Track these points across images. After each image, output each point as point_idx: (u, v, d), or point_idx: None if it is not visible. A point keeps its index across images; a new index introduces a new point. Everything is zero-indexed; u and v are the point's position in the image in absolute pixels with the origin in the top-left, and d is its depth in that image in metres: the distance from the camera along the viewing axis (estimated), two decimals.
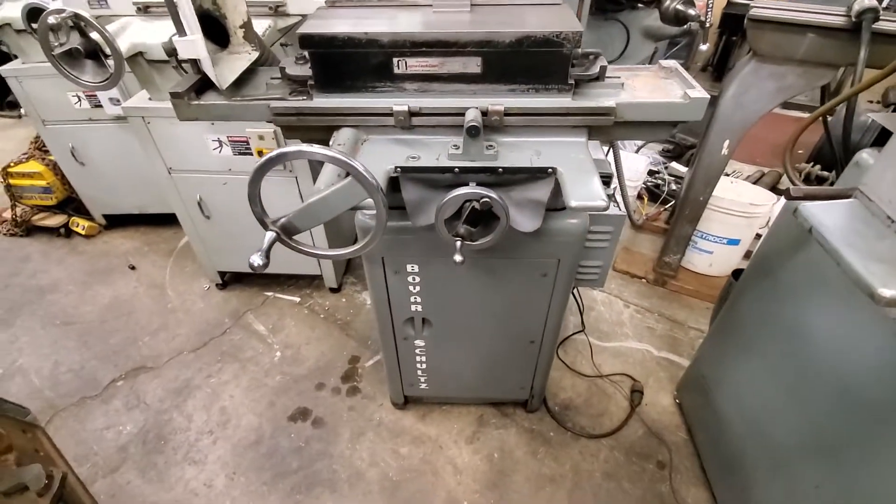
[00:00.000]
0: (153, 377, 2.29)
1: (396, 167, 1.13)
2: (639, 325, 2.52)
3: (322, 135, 1.24)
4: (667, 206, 3.29)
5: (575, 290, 2.18)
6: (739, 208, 2.49)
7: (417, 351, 1.78)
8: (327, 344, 2.43)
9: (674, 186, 3.44)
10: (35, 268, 2.92)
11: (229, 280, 2.76)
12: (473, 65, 1.13)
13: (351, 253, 1.07)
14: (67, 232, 3.15)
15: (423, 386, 1.95)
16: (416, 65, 1.14)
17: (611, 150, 2.65)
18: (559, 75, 1.15)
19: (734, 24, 4.95)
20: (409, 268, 1.47)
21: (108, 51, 1.71)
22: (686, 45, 4.84)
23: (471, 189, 1.09)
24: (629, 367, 2.29)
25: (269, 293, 2.71)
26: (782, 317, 1.41)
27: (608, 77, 1.23)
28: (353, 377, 2.27)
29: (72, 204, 3.19)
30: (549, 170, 1.11)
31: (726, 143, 2.26)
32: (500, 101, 1.16)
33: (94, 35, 1.69)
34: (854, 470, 1.15)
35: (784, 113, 4.62)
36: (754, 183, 3.31)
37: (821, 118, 2.14)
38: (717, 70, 5.37)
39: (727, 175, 3.65)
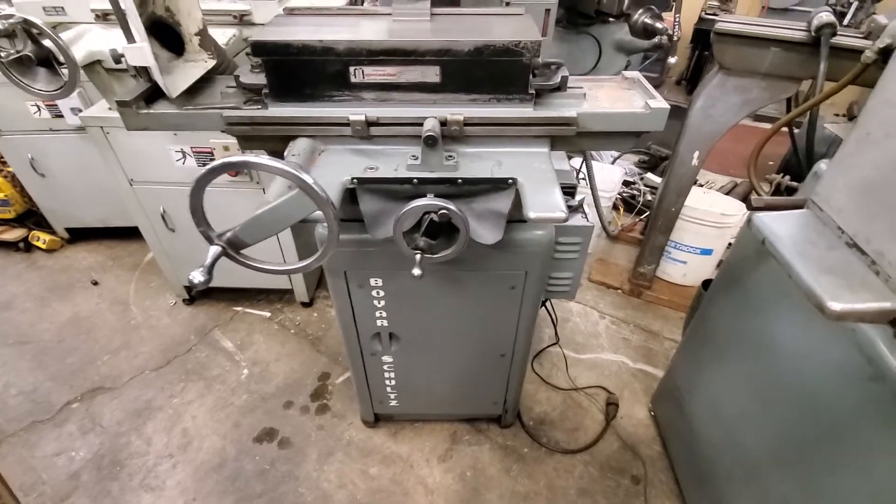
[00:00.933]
0: (112, 398, 2.18)
1: (353, 178, 1.09)
2: (614, 336, 2.50)
3: (279, 145, 1.20)
4: (642, 217, 3.30)
5: (548, 303, 2.15)
6: (711, 218, 2.51)
7: (385, 367, 1.73)
8: (298, 360, 2.36)
9: (649, 197, 3.46)
10: None
11: (196, 295, 2.67)
12: (432, 74, 1.11)
13: (302, 268, 1.02)
14: (27, 246, 3.03)
15: (394, 403, 1.90)
16: (373, 73, 1.11)
17: (583, 161, 2.66)
18: (520, 85, 1.13)
19: (706, 39, 5.10)
20: (372, 282, 1.43)
21: (62, 59, 1.65)
22: (658, 59, 4.94)
23: (428, 201, 1.06)
24: (604, 379, 2.27)
25: (239, 308, 2.63)
26: (750, 326, 1.40)
27: (570, 87, 1.22)
28: (323, 395, 2.19)
29: (32, 217, 3.07)
30: (510, 180, 1.09)
31: (696, 154, 2.27)
32: (460, 110, 1.13)
33: (48, 42, 1.63)
34: (819, 479, 1.14)
35: (755, 125, 4.74)
36: (727, 193, 3.36)
37: (789, 130, 2.18)
38: (691, 83, 5.50)
39: (700, 185, 3.71)
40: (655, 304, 2.71)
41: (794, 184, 3.34)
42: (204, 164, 2.07)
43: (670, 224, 2.50)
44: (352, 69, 1.10)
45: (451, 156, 1.12)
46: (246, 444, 2.00)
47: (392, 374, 1.77)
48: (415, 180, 1.09)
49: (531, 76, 1.14)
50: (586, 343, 2.45)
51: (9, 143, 2.62)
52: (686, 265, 2.69)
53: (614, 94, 1.25)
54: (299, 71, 1.11)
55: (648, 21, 2.19)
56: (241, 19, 1.98)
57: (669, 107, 1.15)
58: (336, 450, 1.97)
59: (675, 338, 2.49)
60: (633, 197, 3.52)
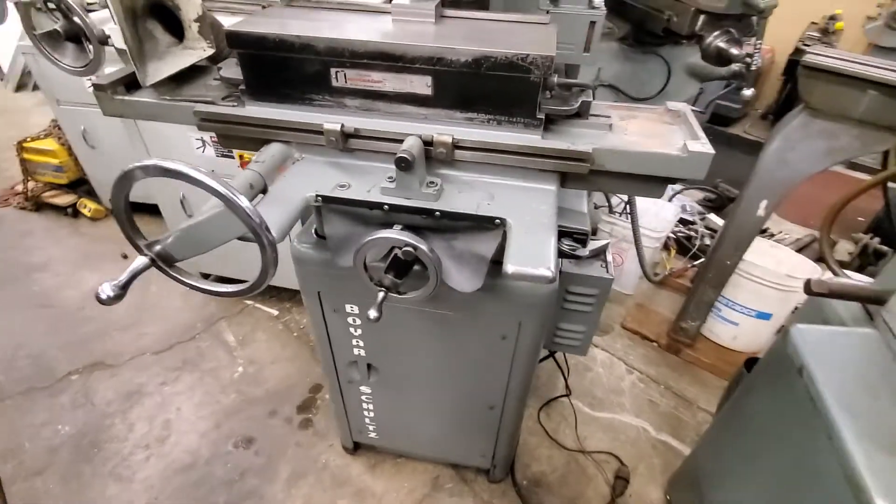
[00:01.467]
0: (109, 376, 2.18)
1: (318, 196, 0.94)
2: (640, 396, 2.21)
3: (256, 146, 1.08)
4: (696, 263, 2.95)
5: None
6: (774, 279, 2.16)
7: (364, 397, 1.58)
8: (294, 366, 2.26)
9: (708, 242, 3.10)
10: (33, 244, 2.93)
11: (214, 281, 2.65)
12: (423, 85, 0.94)
13: (234, 293, 0.89)
14: (75, 212, 3.17)
15: (373, 435, 1.74)
16: (356, 78, 0.96)
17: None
18: (526, 107, 0.93)
19: None
20: (348, 308, 1.28)
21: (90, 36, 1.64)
22: (739, 88, 4.48)
23: (393, 234, 0.89)
24: (619, 445, 1.99)
25: (249, 301, 2.58)
26: (793, 437, 1.11)
27: (594, 115, 1.01)
28: (311, 408, 2.08)
29: (84, 186, 3.21)
30: (497, 220, 0.90)
31: (763, 203, 1.95)
32: (452, 130, 0.96)
33: (77, 19, 1.63)
34: None
35: (847, 173, 4.17)
36: (800, 250, 2.93)
37: (883, 186, 1.82)
38: (778, 118, 4.96)
39: (771, 236, 3.28)
40: (695, 365, 2.37)
41: (885, 248, 2.85)
42: (223, 155, 2.02)
43: (723, 278, 2.17)
44: (333, 71, 0.96)
45: (433, 182, 0.94)
46: (221, 448, 1.92)
47: (370, 406, 1.61)
48: (386, 206, 0.93)
49: (543, 97, 0.94)
50: (605, 399, 2.18)
51: (66, 113, 2.74)
52: (738, 327, 2.33)
53: (649, 128, 1.03)
54: (275, 68, 0.98)
55: (723, 45, 1.90)
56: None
57: (713, 152, 0.91)
58: (309, 472, 1.85)
59: (710, 409, 2.15)
60: (689, 238, 3.16)
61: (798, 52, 4.30)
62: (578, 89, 1.01)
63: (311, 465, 1.87)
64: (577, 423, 2.05)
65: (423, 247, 0.88)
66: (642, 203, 2.63)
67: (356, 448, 1.89)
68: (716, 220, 3.34)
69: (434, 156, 0.95)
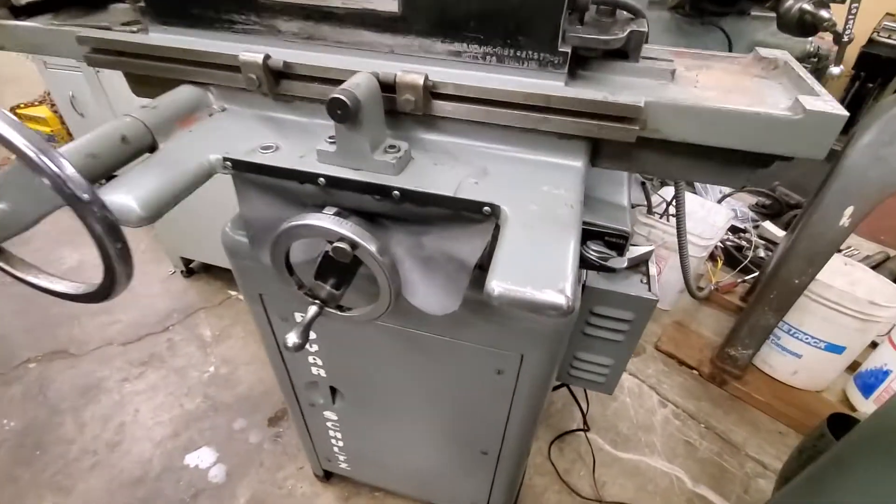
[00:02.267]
0: (69, 366, 1.96)
1: (226, 160, 0.63)
2: (674, 435, 1.84)
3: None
4: (747, 278, 2.53)
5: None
6: (853, 305, 1.74)
7: (330, 424, 1.28)
8: (271, 369, 1.98)
9: (762, 254, 2.67)
10: None
11: (197, 268, 2.42)
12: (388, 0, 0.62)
13: (63, 295, 0.59)
14: None
15: (344, 465, 1.44)
16: None
17: (676, 192, 2.01)
18: (541, 35, 0.60)
19: (874, 68, 4.00)
20: (298, 317, 0.97)
21: None
22: (816, 70, 3.97)
23: (319, 220, 0.57)
24: (646, 497, 1.63)
25: (233, 292, 2.33)
26: None
27: (647, 57, 0.67)
28: (283, 421, 1.80)
29: None
30: (486, 209, 0.57)
31: (849, 210, 1.56)
32: (426, 68, 0.63)
33: None
34: None
35: None
36: (874, 267, 2.47)
37: None
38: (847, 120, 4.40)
39: (838, 251, 2.82)
40: (743, 402, 1.98)
41: None
42: None
43: (789, 300, 1.77)
44: None
45: (394, 147, 0.62)
46: (176, 462, 1.66)
47: (339, 435, 1.31)
48: (321, 179, 0.61)
49: (569, 21, 0.61)
50: (631, 436, 1.82)
51: (54, 77, 2.52)
52: (800, 360, 1.93)
53: (732, 82, 0.68)
54: None
55: (809, 8, 1.49)
56: None
57: (846, 115, 0.56)
58: (271, 499, 1.56)
59: (763, 459, 1.77)
60: (738, 249, 2.74)
61: (872, 43, 3.75)
62: (627, 16, 0.67)
63: (274, 492, 1.58)
64: (595, 463, 1.70)
65: (368, 245, 0.56)
66: (688, 204, 2.24)
67: (328, 476, 1.59)
68: (771, 228, 2.90)
69: (400, 107, 0.63)
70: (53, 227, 2.62)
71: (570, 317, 0.79)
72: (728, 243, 2.78)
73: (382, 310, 0.63)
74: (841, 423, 1.32)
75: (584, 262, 0.76)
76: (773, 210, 3.16)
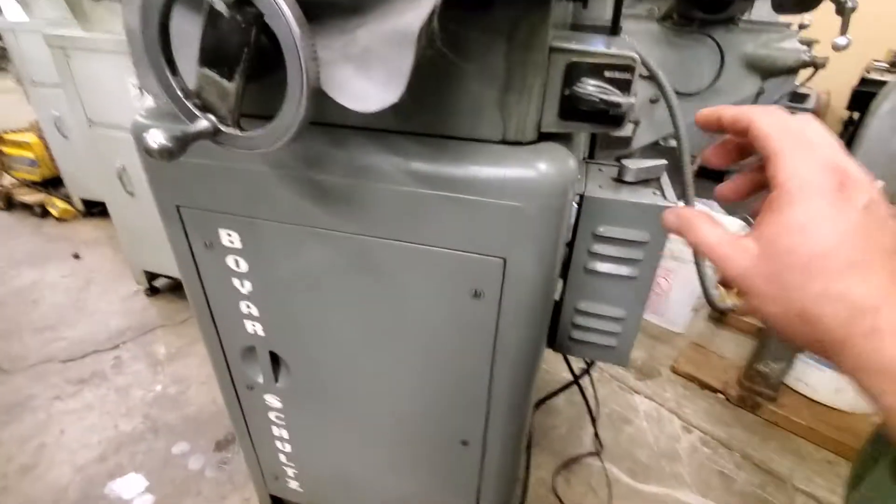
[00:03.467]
0: None
1: None
2: (705, 465, 1.53)
3: None
4: None
5: (575, 367, 1.32)
6: None
7: (274, 417, 1.02)
8: None
9: None
10: None
11: (162, 287, 2.21)
12: None
13: None
14: (44, 212, 2.86)
15: (293, 484, 1.15)
16: None
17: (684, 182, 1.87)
18: None
19: (867, 106, 4.03)
20: (225, 237, 0.77)
21: None
22: (797, 92, 3.99)
23: None
24: None
25: None
26: None
27: None
28: (232, 445, 1.50)
29: (58, 184, 2.94)
30: None
31: (879, 185, 1.38)
32: None
33: None
34: None
35: None
36: None
37: None
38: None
39: None
40: (782, 428, 1.68)
41: None
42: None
43: None
44: None
45: None
46: (96, 489, 1.35)
47: (285, 434, 1.04)
48: None
49: None
50: (652, 466, 1.51)
51: (39, 95, 2.51)
52: (839, 376, 1.66)
53: None
54: None
55: None
56: None
57: None
58: None
59: (815, 493, 1.44)
60: None
61: (865, 82, 3.82)
62: None
63: None
64: (610, 497, 1.38)
65: None
66: None
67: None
68: None
69: None
70: (21, 249, 2.46)
71: (566, 180, 0.59)
72: None
73: (292, 114, 0.45)
74: None
75: (580, 109, 0.59)
76: None
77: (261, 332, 0.88)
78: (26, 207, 2.90)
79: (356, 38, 0.48)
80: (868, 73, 3.69)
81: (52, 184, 2.94)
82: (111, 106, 1.70)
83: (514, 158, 0.60)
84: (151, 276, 2.14)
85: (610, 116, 0.59)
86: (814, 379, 1.71)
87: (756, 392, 1.74)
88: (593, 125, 0.61)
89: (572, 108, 0.60)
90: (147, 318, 2.05)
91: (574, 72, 0.58)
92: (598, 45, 0.58)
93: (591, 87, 0.57)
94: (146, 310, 2.10)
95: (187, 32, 0.47)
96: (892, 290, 0.28)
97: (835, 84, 4.35)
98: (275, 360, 0.91)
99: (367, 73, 0.46)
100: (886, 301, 0.28)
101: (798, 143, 0.32)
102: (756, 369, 1.73)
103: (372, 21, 0.47)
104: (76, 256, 2.48)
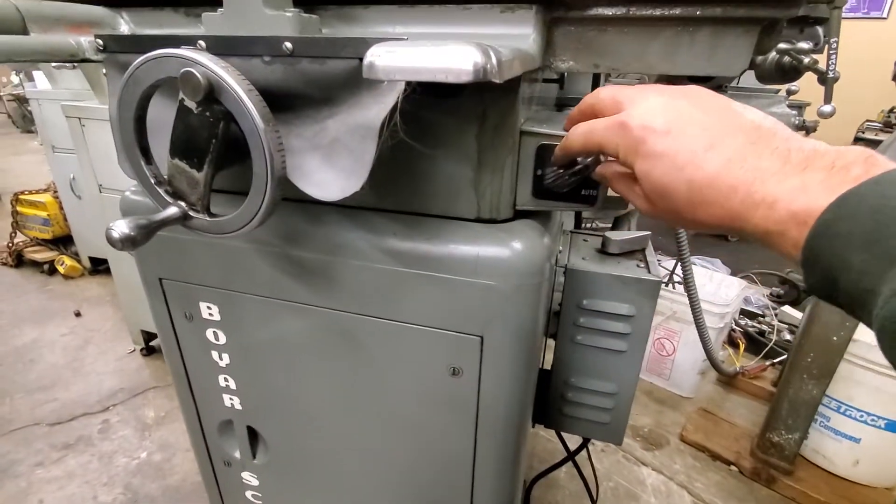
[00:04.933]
0: None
1: (97, 37, 0.52)
2: None
3: None
4: (775, 362, 2.23)
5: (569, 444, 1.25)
6: None
7: (251, 496, 0.97)
8: None
9: (788, 337, 2.40)
10: None
11: (158, 347, 2.19)
12: None
13: None
14: (51, 269, 2.91)
15: None
16: None
17: (677, 260, 1.86)
18: None
19: None
20: (205, 310, 0.77)
21: None
22: (801, 129, 4.03)
23: (168, 51, 0.43)
24: None
25: None
26: None
27: None
28: None
29: (69, 243, 3.01)
30: (358, 55, 0.42)
31: None
32: None
33: None
34: None
35: None
36: None
37: None
38: None
39: None
40: None
41: None
42: None
43: (829, 365, 1.49)
44: None
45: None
46: None
47: None
48: (199, 43, 0.48)
49: None
50: None
51: (58, 160, 2.62)
52: (860, 446, 1.56)
53: None
54: None
55: (785, 46, 1.50)
56: None
57: None
58: None
59: None
60: (761, 333, 2.47)
61: (859, 141, 3.89)
62: None
63: None
64: None
65: (227, 77, 0.41)
66: (697, 278, 2.06)
67: None
68: (792, 312, 2.65)
69: None
70: (24, 307, 2.48)
71: (544, 256, 0.59)
72: (749, 328, 2.52)
73: (258, 202, 0.45)
74: None
75: (552, 189, 0.59)
76: (790, 297, 2.94)
77: (238, 406, 0.85)
78: (35, 265, 2.95)
79: (326, 129, 0.49)
80: (862, 133, 3.77)
81: (63, 242, 3.01)
82: (119, 173, 1.75)
83: (489, 237, 0.60)
84: (148, 336, 2.13)
85: (583, 196, 0.60)
86: (831, 450, 1.62)
87: (771, 464, 1.64)
88: (567, 204, 0.62)
89: (545, 187, 0.60)
90: (140, 379, 2.02)
91: (545, 153, 0.59)
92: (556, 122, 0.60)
93: (560, 169, 0.57)
94: (140, 370, 2.07)
95: (165, 121, 0.49)
96: (734, 168, 0.33)
97: (831, 143, 4.42)
98: (252, 435, 0.88)
99: (332, 162, 0.47)
100: (737, 180, 0.32)
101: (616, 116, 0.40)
102: (770, 439, 1.64)
103: (341, 113, 0.49)
104: (77, 314, 2.49)
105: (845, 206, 0.28)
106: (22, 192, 2.92)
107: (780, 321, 2.57)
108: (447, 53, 0.33)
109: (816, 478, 1.60)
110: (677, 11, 0.52)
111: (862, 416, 1.54)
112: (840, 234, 0.28)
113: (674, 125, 0.36)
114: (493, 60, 0.33)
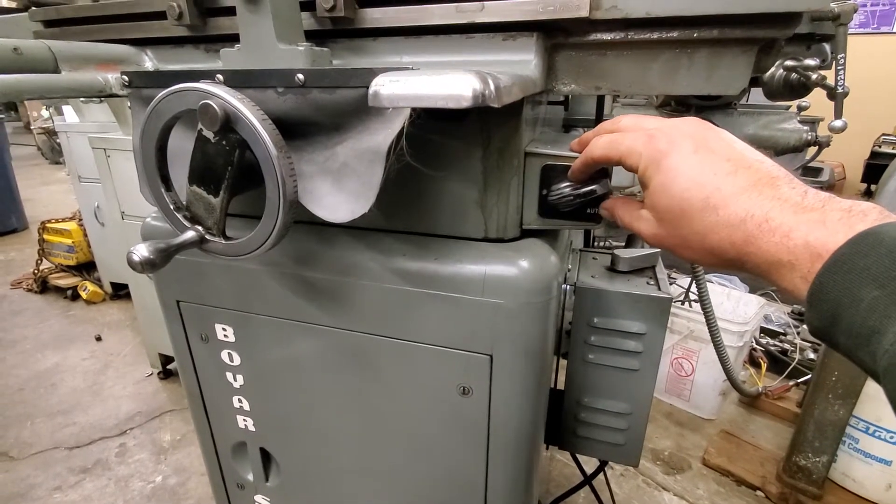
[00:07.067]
0: (2, 470, 1.68)
1: (123, 73, 0.56)
2: None
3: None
4: (799, 382, 2.17)
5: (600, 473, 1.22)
6: None
7: None
8: None
9: (811, 355, 2.33)
10: (18, 322, 2.71)
11: (175, 370, 2.22)
12: None
13: None
14: (74, 295, 2.99)
15: None
16: None
17: (692, 279, 1.85)
18: None
19: (880, 176, 4.01)
20: (220, 332, 0.79)
21: None
22: (809, 166, 3.98)
23: (187, 85, 0.46)
24: None
25: None
26: None
27: None
28: None
29: (92, 269, 3.09)
30: (369, 80, 0.45)
31: None
32: None
33: None
34: None
35: None
36: None
37: None
38: None
39: None
40: None
41: None
42: None
43: (854, 384, 1.45)
44: None
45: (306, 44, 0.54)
46: None
47: None
48: (218, 76, 0.51)
49: None
50: None
51: (84, 189, 2.72)
52: (891, 468, 1.50)
53: None
54: None
55: (791, 63, 1.50)
56: None
57: None
58: None
59: None
60: (783, 352, 2.41)
61: (876, 155, 3.83)
62: None
63: None
64: None
65: (242, 108, 0.44)
66: (713, 297, 2.03)
67: None
68: None
69: (318, 10, 0.56)
70: (47, 332, 2.54)
71: (551, 274, 0.60)
72: (771, 347, 2.46)
73: (271, 225, 0.47)
74: None
75: (557, 208, 0.60)
76: None
77: (252, 427, 0.86)
78: (58, 290, 3.03)
79: (336, 154, 0.51)
80: (879, 147, 3.72)
81: (86, 268, 3.09)
82: (140, 201, 1.82)
83: (496, 256, 0.61)
84: (166, 360, 2.16)
85: (588, 214, 0.60)
86: (861, 474, 1.55)
87: (798, 489, 1.57)
88: (573, 223, 0.62)
89: (550, 205, 0.61)
90: (157, 402, 2.04)
91: (550, 173, 0.60)
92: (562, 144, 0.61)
93: (565, 189, 0.59)
94: (157, 393, 2.10)
95: (184, 150, 0.52)
96: (753, 195, 0.34)
97: (848, 157, 4.39)
98: (266, 457, 0.89)
99: (342, 186, 0.49)
100: (755, 206, 0.33)
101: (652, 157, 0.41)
102: (796, 463, 1.58)
103: (350, 138, 0.51)
104: (98, 339, 2.54)
105: (864, 242, 0.28)
106: (49, 221, 3.03)
107: (802, 339, 2.50)
108: (447, 81, 0.34)
109: (847, 502, 1.54)
110: (675, 34, 0.53)
111: (892, 437, 1.48)
112: (855, 269, 0.28)
113: (700, 146, 0.37)
114: (492, 87, 0.34)
